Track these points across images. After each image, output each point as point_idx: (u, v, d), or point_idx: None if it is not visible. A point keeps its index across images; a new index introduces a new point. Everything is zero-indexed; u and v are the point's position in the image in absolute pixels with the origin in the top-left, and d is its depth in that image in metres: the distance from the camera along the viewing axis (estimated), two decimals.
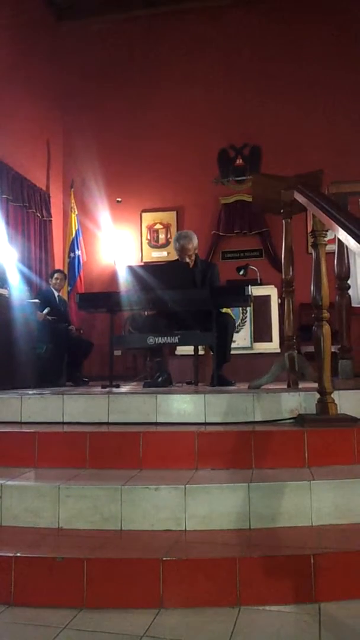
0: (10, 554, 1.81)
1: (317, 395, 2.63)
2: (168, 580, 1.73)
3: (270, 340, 6.19)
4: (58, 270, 6.60)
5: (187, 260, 4.43)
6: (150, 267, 4.85)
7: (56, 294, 6.20)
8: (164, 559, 1.75)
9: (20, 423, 2.97)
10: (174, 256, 4.65)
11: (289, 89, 7.99)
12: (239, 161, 8.21)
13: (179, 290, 3.95)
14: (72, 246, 8.09)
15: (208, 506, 2.04)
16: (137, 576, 1.74)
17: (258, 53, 8.16)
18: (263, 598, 1.70)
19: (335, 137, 7.64)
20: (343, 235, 2.19)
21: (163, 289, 3.97)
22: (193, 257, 4.48)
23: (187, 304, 4.00)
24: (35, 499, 2.13)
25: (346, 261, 3.24)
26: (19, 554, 1.82)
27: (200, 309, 4.03)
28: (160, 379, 4.16)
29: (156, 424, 2.81)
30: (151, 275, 4.12)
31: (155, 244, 8.37)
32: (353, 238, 2.08)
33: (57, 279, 6.25)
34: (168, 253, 8.00)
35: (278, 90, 8.00)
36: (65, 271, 7.96)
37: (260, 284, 6.73)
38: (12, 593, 1.76)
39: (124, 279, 4.38)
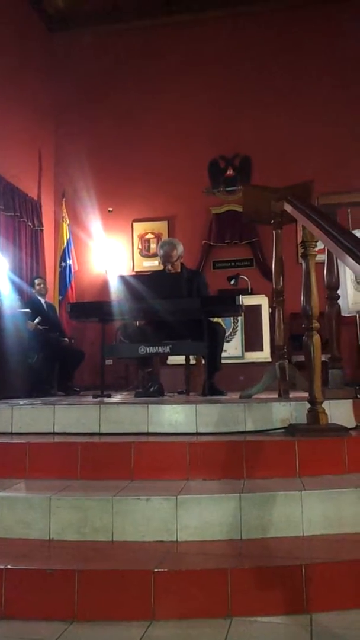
0: (1, 566, 1.80)
1: (308, 405, 2.64)
2: (160, 592, 1.72)
3: (261, 350, 6.21)
4: (37, 277, 6.52)
5: (170, 267, 4.41)
6: (141, 277, 4.85)
7: (42, 300, 6.17)
8: (156, 570, 1.75)
9: (11, 434, 2.96)
10: None
11: (279, 100, 8.07)
12: (230, 172, 8.26)
13: (170, 299, 3.96)
14: (64, 255, 8.08)
15: (199, 517, 2.04)
16: (129, 588, 1.74)
17: (249, 64, 8.25)
18: (254, 609, 1.70)
19: (325, 148, 7.71)
20: (332, 247, 2.21)
21: (152, 298, 3.98)
22: (178, 265, 4.45)
23: (178, 314, 4.00)
24: (26, 510, 2.12)
25: (336, 271, 3.27)
26: (9, 566, 1.81)
27: (191, 319, 4.04)
28: (151, 389, 4.16)
29: (148, 434, 2.81)
30: (141, 284, 4.13)
31: (146, 254, 8.39)
32: (345, 252, 2.10)
33: (39, 285, 6.20)
34: (159, 262, 8.00)
35: (269, 101, 8.08)
36: (57, 280, 7.97)
37: (251, 294, 6.77)
38: (3, 605, 1.75)
39: (115, 288, 4.38)
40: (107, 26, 8.61)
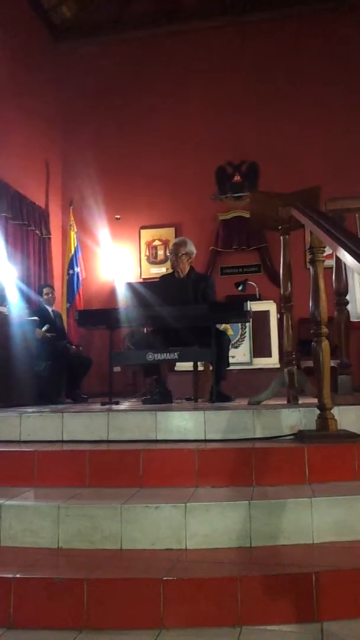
0: (10, 575, 1.80)
1: (317, 411, 2.63)
2: (169, 600, 1.71)
3: (270, 356, 6.18)
4: (46, 285, 6.53)
5: (176, 262, 4.39)
6: (147, 284, 4.86)
7: (50, 309, 6.17)
8: (165, 578, 1.74)
9: (20, 442, 2.96)
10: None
11: (286, 106, 8.08)
12: (237, 178, 8.27)
13: (178, 306, 3.96)
14: (71, 263, 8.11)
15: (209, 524, 2.03)
16: (138, 596, 1.73)
17: (255, 70, 8.27)
18: (264, 617, 1.68)
19: (332, 154, 7.71)
20: (340, 252, 2.20)
21: (159, 304, 3.98)
22: (183, 261, 4.43)
23: (185, 320, 4.00)
24: (34, 518, 2.12)
25: (344, 276, 3.25)
26: (18, 575, 1.80)
27: (198, 326, 4.03)
28: (159, 396, 4.15)
29: (156, 441, 2.80)
30: (148, 291, 4.13)
31: (154, 260, 8.40)
32: (350, 255, 2.09)
33: (47, 294, 6.20)
34: (167, 269, 8.01)
35: (275, 107, 8.10)
36: (65, 288, 8.00)
37: (259, 299, 6.75)
38: (12, 615, 1.74)
39: (122, 295, 4.39)
40: (112, 35, 8.68)
